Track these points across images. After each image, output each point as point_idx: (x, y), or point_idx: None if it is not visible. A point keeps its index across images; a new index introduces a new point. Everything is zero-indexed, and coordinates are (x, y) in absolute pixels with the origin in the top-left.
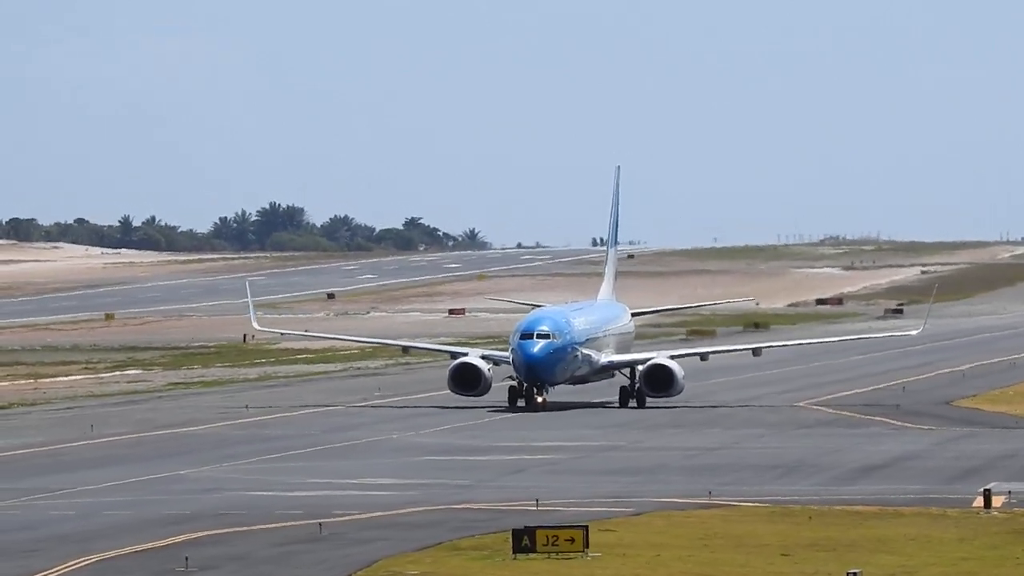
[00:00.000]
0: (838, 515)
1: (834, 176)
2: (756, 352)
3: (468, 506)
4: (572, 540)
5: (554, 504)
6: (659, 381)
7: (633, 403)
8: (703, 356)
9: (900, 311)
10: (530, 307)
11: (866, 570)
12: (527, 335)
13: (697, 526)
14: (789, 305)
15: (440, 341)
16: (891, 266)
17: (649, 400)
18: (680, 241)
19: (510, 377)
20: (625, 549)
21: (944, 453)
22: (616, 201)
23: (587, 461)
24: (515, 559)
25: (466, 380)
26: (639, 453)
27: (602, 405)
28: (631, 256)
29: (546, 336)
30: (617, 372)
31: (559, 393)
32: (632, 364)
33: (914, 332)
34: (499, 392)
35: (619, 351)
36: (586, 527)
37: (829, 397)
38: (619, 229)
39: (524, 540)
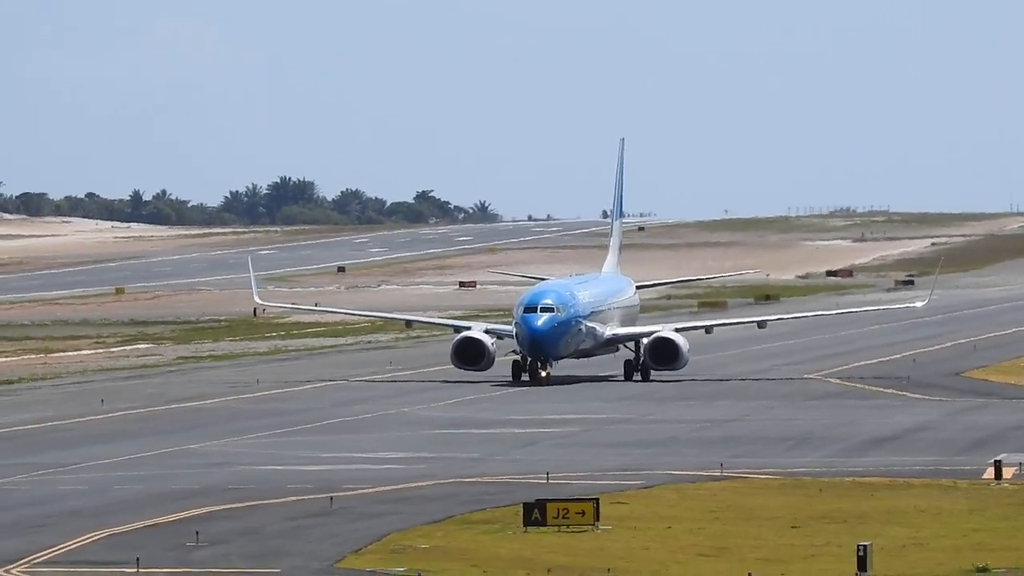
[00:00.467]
0: (849, 487)
1: (844, 148)
2: (761, 325)
3: (479, 479)
4: (583, 513)
5: (565, 477)
6: (664, 354)
7: (638, 377)
8: (708, 329)
9: (911, 282)
10: (534, 280)
11: (877, 542)
12: (531, 308)
13: (708, 498)
14: (799, 277)
15: (450, 314)
16: (901, 238)
17: (654, 373)
18: (691, 213)
19: (514, 351)
20: (636, 522)
21: (954, 424)
22: (620, 173)
23: (597, 434)
24: (526, 532)
25: (469, 355)
26: (649, 426)
27: (606, 379)
28: (642, 228)
29: (550, 310)
30: (622, 346)
31: (563, 367)
32: (637, 337)
33: (919, 304)
34: (503, 366)
35: (624, 324)
36: (597, 500)
37: (839, 369)
38: (626, 201)
39: (535, 513)
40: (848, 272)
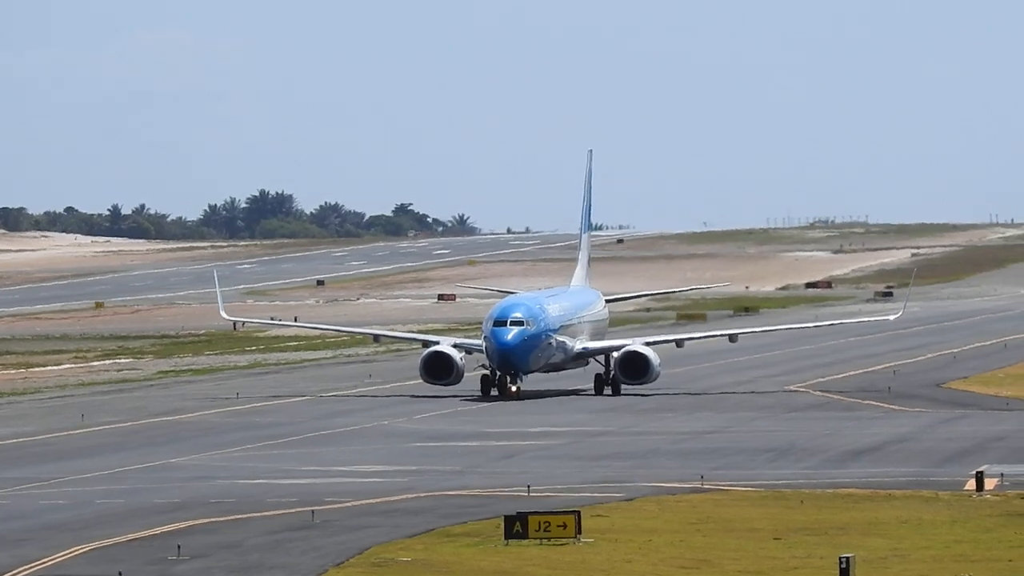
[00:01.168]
0: (830, 498)
1: (823, 159)
2: (732, 338)
3: (460, 492)
4: (564, 526)
5: (546, 490)
6: (634, 368)
7: (608, 391)
8: (679, 343)
9: (890, 294)
10: (504, 294)
11: (858, 554)
12: (500, 322)
13: (689, 511)
14: (779, 288)
15: (430, 327)
16: (881, 249)
17: (625, 387)
18: (670, 225)
19: (482, 365)
20: (617, 534)
21: (936, 435)
22: (588, 186)
23: (578, 446)
24: (507, 545)
25: (438, 369)
26: (630, 438)
27: (576, 393)
28: (620, 241)
29: (520, 323)
30: (592, 359)
31: (532, 381)
32: (607, 351)
33: (892, 317)
34: (472, 381)
35: (593, 338)
36: (578, 512)
37: (819, 380)
38: (606, 214)
39: (516, 526)
40: (827, 284)
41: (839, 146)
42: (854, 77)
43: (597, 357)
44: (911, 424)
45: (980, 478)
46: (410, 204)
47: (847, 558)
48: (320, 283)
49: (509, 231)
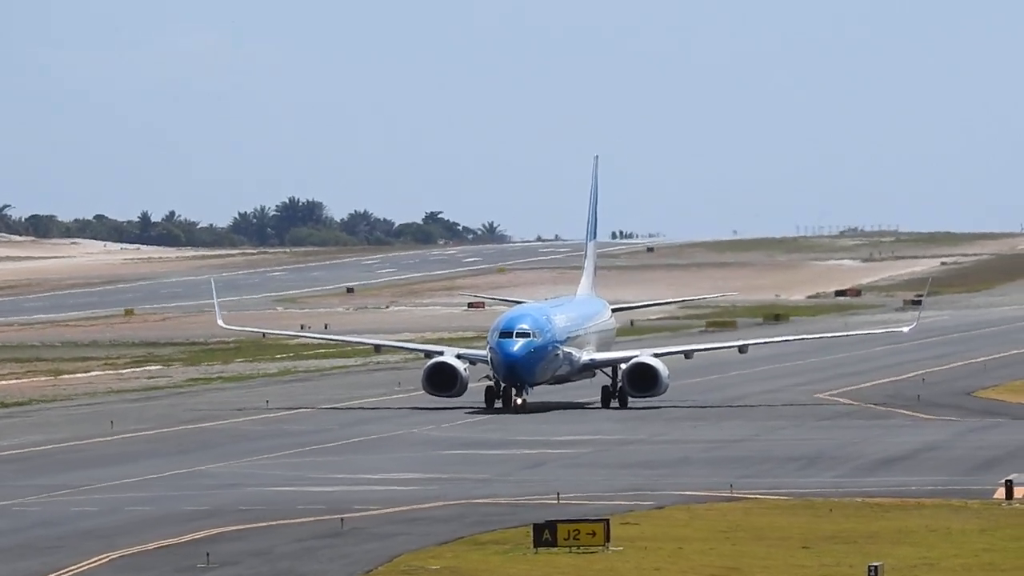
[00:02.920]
0: (859, 507)
1: (853, 167)
2: (742, 349)
3: (489, 500)
4: (593, 534)
5: (575, 498)
6: (643, 380)
7: (615, 403)
8: (688, 354)
9: (919, 302)
10: (511, 304)
11: (887, 562)
12: (506, 333)
13: (719, 519)
14: (809, 297)
15: (460, 335)
16: (911, 257)
17: (633, 400)
18: (700, 234)
19: (487, 377)
20: (647, 542)
21: (965, 444)
22: (595, 193)
23: (607, 455)
24: (536, 553)
25: (441, 380)
26: (659, 446)
27: (582, 406)
28: (650, 249)
29: (526, 334)
30: (599, 371)
31: (538, 393)
32: (614, 363)
33: (905, 329)
34: (476, 393)
35: (600, 348)
36: (607, 521)
37: (848, 389)
38: (636, 222)
39: (545, 534)
40: (856, 292)
41: (869, 154)
42: (886, 85)
43: (604, 369)
44: (940, 433)
45: (1010, 487)
46: (440, 212)
47: (876, 566)
48: (350, 291)
49: (539, 239)
